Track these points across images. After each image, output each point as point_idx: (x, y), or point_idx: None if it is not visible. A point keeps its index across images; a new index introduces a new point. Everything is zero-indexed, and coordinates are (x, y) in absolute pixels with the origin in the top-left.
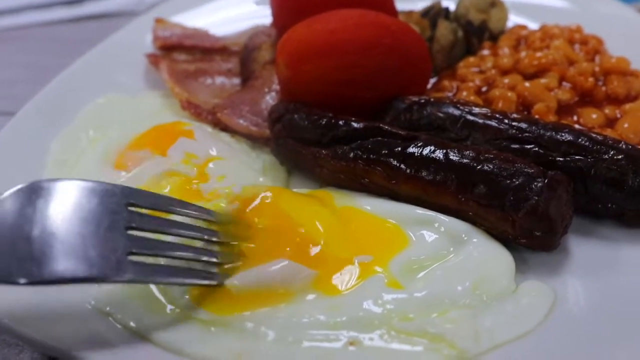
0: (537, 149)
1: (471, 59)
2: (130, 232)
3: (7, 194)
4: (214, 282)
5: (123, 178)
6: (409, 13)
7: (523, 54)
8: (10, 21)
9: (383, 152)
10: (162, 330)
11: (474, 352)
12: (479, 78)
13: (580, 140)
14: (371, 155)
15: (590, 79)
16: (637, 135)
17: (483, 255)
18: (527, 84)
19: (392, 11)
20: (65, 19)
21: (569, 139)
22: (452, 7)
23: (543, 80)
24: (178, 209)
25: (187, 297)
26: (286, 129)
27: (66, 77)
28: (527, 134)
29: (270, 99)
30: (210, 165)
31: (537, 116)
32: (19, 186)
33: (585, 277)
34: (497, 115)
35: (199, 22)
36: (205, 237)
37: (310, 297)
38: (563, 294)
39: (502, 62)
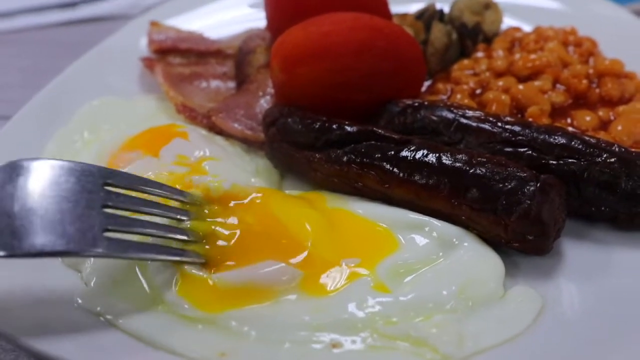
0: (530, 152)
1: (465, 62)
2: (106, 210)
3: None
4: (184, 259)
5: None
6: (403, 16)
7: (517, 56)
8: (4, 25)
9: (376, 155)
10: (150, 328)
11: (456, 357)
12: (473, 81)
13: (573, 143)
14: (364, 159)
15: (584, 81)
16: (630, 137)
17: (472, 260)
18: (520, 86)
19: (386, 14)
20: (60, 23)
21: (562, 142)
22: (446, 9)
23: (537, 83)
24: (152, 189)
25: (175, 293)
26: (280, 133)
27: (61, 81)
28: (520, 137)
29: (265, 103)
30: (204, 164)
31: (530, 119)
32: None
33: (579, 281)
34: (491, 119)
35: (194, 26)
36: (178, 216)
37: (296, 297)
38: (556, 298)
39: (496, 65)
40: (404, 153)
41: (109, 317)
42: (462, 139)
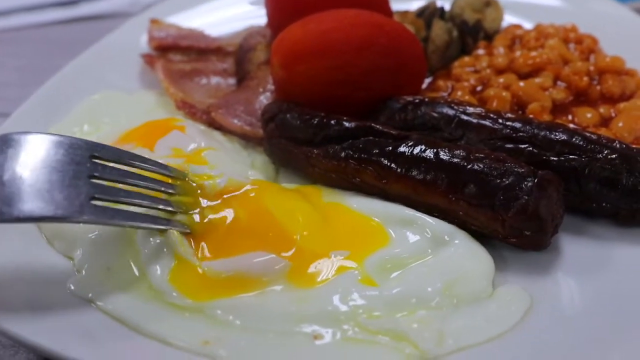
0: (531, 148)
1: (466, 59)
2: (93, 180)
3: None
4: (169, 227)
5: None
6: (404, 13)
7: (518, 53)
8: (3, 23)
9: (374, 151)
10: (138, 315)
11: (434, 354)
12: (474, 78)
13: (574, 139)
14: (362, 155)
15: (585, 78)
16: (631, 134)
17: (462, 257)
18: (521, 83)
19: (387, 11)
20: (60, 20)
21: (563, 138)
22: (447, 6)
23: (538, 80)
24: (138, 163)
25: (165, 281)
26: (279, 129)
27: (61, 78)
28: (521, 134)
29: (264, 99)
30: (201, 154)
31: (531, 116)
32: None
33: (577, 277)
34: (491, 115)
35: (194, 23)
36: (163, 188)
37: (282, 288)
38: (554, 294)
39: (497, 62)
40: (402, 149)
41: (99, 303)
42: (463, 136)
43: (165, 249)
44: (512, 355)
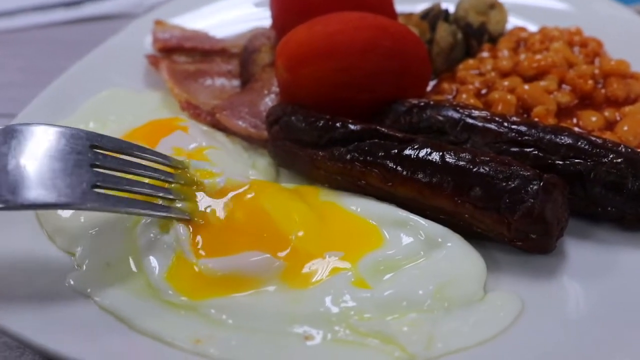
0: (536, 152)
1: (471, 62)
2: (95, 169)
3: None
4: (170, 215)
5: None
6: (409, 15)
7: (522, 56)
8: (8, 24)
9: (379, 154)
10: (133, 311)
11: (423, 357)
12: (479, 80)
13: (579, 143)
14: (368, 157)
15: (590, 82)
16: (636, 138)
17: (454, 260)
18: (526, 86)
19: (392, 14)
20: (64, 21)
21: (568, 142)
22: (451, 9)
23: (542, 83)
24: (137, 152)
25: (162, 279)
26: (283, 131)
27: (66, 79)
28: (526, 137)
29: (269, 101)
30: (203, 153)
31: (536, 119)
32: None
33: (582, 280)
34: (497, 118)
35: (199, 24)
36: (162, 177)
37: (276, 288)
38: (554, 297)
39: (502, 65)
40: (407, 151)
41: (97, 299)
42: (469, 139)
43: (164, 246)
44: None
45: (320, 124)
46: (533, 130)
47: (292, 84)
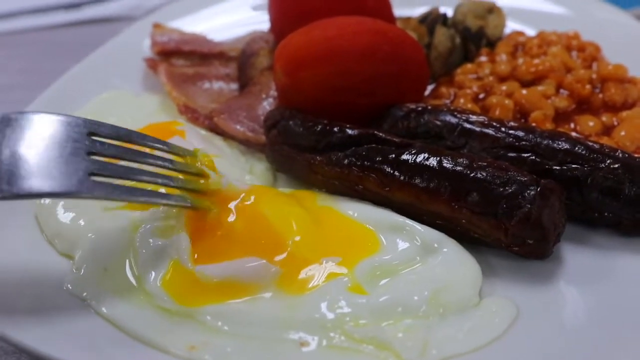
0: (533, 157)
1: (469, 66)
2: (92, 157)
3: None
4: (170, 202)
5: None
6: (407, 19)
7: (520, 60)
8: (9, 26)
9: (377, 158)
10: (128, 317)
11: None
12: (477, 85)
13: (576, 148)
14: (365, 162)
15: (588, 87)
16: (633, 143)
17: (450, 266)
18: (524, 91)
19: (390, 18)
20: (63, 24)
21: (565, 147)
22: (450, 13)
23: (540, 88)
24: (137, 140)
25: (158, 286)
26: (281, 135)
27: (66, 81)
28: (524, 143)
29: (267, 105)
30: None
31: (534, 124)
32: None
33: (579, 286)
34: (494, 124)
35: (197, 28)
36: (160, 162)
37: (272, 294)
38: (550, 303)
39: (500, 69)
40: (405, 156)
41: (93, 303)
42: (466, 144)
43: (162, 253)
44: None
45: (318, 129)
46: (530, 136)
47: (290, 88)
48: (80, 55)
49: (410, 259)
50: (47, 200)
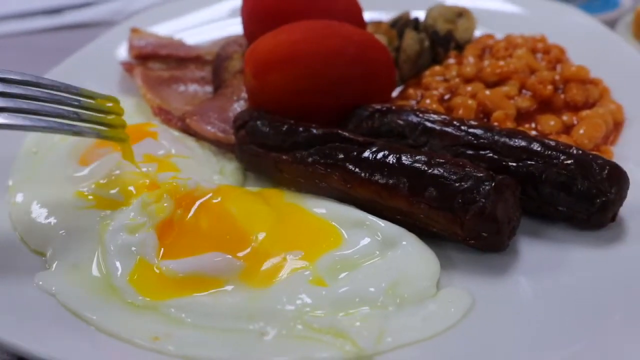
0: (491, 154)
1: (437, 68)
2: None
3: None
4: (73, 130)
5: (84, 172)
6: (378, 23)
7: (486, 62)
8: None
9: (339, 156)
10: (94, 311)
11: (372, 351)
12: (443, 86)
13: (532, 146)
14: (328, 160)
15: (549, 87)
16: (591, 141)
17: (409, 259)
18: (487, 92)
19: (360, 22)
20: (44, 29)
21: (522, 144)
22: (422, 17)
23: (504, 88)
24: (44, 83)
25: (125, 281)
26: (249, 135)
27: None
28: (482, 140)
29: (238, 107)
30: (171, 160)
31: (495, 123)
32: None
33: (533, 276)
34: (455, 123)
35: (176, 33)
36: (67, 101)
37: (235, 288)
38: (511, 292)
39: (466, 71)
40: (366, 154)
41: (60, 298)
42: (427, 142)
43: (129, 249)
44: (446, 353)
45: (284, 129)
46: (489, 134)
47: (259, 90)
48: (61, 60)
49: (370, 253)
50: (21, 199)
